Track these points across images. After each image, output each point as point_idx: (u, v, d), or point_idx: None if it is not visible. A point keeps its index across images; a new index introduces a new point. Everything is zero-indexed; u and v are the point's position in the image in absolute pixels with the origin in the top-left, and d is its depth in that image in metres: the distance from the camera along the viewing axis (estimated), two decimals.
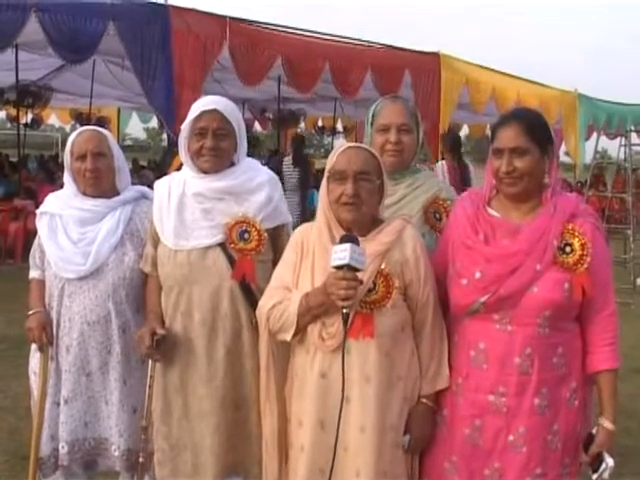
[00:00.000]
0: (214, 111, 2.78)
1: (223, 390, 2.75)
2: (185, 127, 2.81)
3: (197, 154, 2.79)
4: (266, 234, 2.76)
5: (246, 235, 2.74)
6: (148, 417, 2.82)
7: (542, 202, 2.43)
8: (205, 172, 2.81)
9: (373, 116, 2.89)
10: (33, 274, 3.13)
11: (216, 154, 2.78)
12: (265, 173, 2.94)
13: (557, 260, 2.34)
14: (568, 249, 2.35)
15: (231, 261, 2.74)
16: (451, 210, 2.72)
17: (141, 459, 2.82)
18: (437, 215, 2.79)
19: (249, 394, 2.73)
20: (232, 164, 2.87)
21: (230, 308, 2.73)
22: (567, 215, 2.38)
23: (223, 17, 9.14)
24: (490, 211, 2.48)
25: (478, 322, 2.40)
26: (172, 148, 8.51)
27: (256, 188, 2.83)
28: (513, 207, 2.45)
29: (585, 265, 2.33)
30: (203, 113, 2.77)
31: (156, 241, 2.86)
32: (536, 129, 2.40)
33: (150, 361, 2.80)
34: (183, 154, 2.84)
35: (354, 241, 2.24)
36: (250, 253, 2.74)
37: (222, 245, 2.75)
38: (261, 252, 2.75)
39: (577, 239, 2.34)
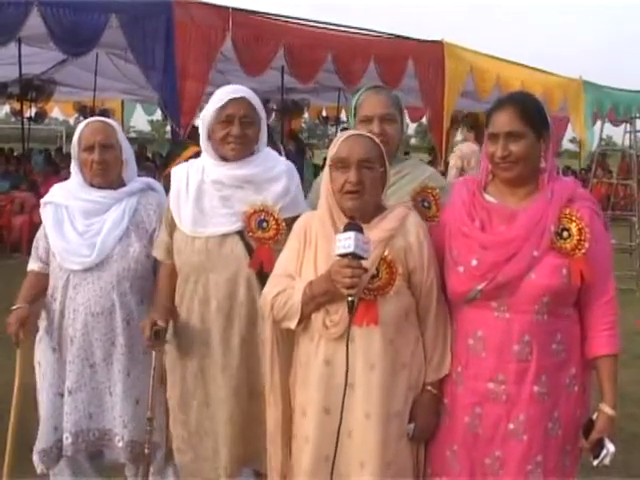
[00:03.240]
0: (241, 99, 2.79)
1: (237, 379, 2.77)
2: (208, 114, 2.81)
3: (223, 141, 2.79)
4: (284, 224, 2.76)
5: (264, 224, 2.75)
6: (153, 408, 2.84)
7: (539, 187, 2.41)
8: (227, 159, 2.82)
9: (355, 107, 2.89)
10: (32, 266, 3.13)
11: (242, 141, 2.79)
12: (283, 163, 2.95)
13: (554, 245, 2.33)
14: (565, 234, 2.33)
15: (249, 249, 2.75)
16: (440, 198, 2.72)
17: (147, 450, 2.83)
18: (426, 203, 2.79)
19: (263, 384, 2.73)
20: (251, 153, 2.88)
21: (246, 296, 2.74)
22: (564, 200, 2.37)
23: (226, 8, 9.12)
24: (486, 197, 2.47)
25: (476, 310, 2.39)
26: (183, 139, 8.50)
27: (275, 178, 2.84)
28: (509, 192, 2.44)
29: (583, 250, 2.31)
30: (230, 101, 2.78)
31: (172, 228, 2.87)
32: (531, 113, 2.38)
33: (154, 353, 2.81)
34: (204, 141, 2.85)
35: (358, 229, 2.24)
36: (268, 242, 2.74)
37: (240, 233, 2.76)
38: (279, 241, 2.74)
39: (574, 224, 2.33)
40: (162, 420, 2.98)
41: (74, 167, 3.05)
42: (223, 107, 2.78)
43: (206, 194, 2.81)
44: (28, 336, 2.98)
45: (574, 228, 2.33)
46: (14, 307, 3.02)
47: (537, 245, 2.33)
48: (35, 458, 3.03)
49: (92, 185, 3.02)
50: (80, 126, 3.06)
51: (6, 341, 3.01)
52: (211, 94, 2.90)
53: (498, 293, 2.35)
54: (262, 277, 2.72)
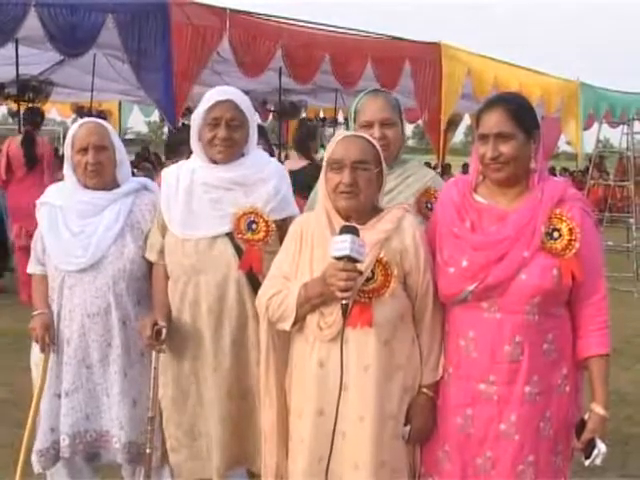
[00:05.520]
0: (228, 101, 2.79)
1: (229, 380, 2.77)
2: (197, 116, 2.82)
3: (210, 144, 2.80)
4: (274, 225, 2.77)
5: (254, 226, 2.75)
6: (154, 408, 2.83)
7: (529, 187, 2.41)
8: (215, 162, 2.82)
9: (355, 112, 2.90)
10: (34, 269, 3.13)
11: (229, 144, 2.79)
12: (273, 165, 2.96)
13: (545, 246, 2.33)
14: (556, 234, 2.34)
15: (238, 251, 2.76)
16: None
17: (148, 450, 2.83)
18: (429, 205, 2.82)
19: (255, 385, 2.75)
20: (241, 155, 2.88)
21: (237, 298, 2.75)
22: (555, 200, 2.37)
23: (223, 9, 9.11)
24: (477, 197, 2.47)
25: (467, 310, 2.40)
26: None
27: (264, 179, 2.85)
28: (500, 193, 2.45)
29: (573, 250, 2.32)
30: (217, 103, 2.78)
31: (164, 229, 2.88)
32: (521, 114, 2.39)
33: (153, 352, 2.81)
34: (194, 143, 2.85)
35: (354, 232, 2.24)
36: (257, 244, 2.75)
37: (230, 235, 2.76)
38: (268, 243, 2.76)
39: (565, 224, 2.33)
40: (158, 420, 2.97)
41: (67, 168, 3.05)
42: (210, 109, 2.79)
43: (195, 196, 2.82)
44: (53, 341, 2.99)
45: (565, 228, 2.34)
46: (36, 313, 3.02)
47: (527, 246, 2.33)
48: (33, 458, 3.03)
49: (86, 186, 3.02)
50: (73, 128, 3.06)
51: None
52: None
53: (489, 294, 2.36)
54: (252, 279, 2.74)
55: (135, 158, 15.55)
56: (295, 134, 6.96)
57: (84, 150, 2.96)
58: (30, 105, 9.94)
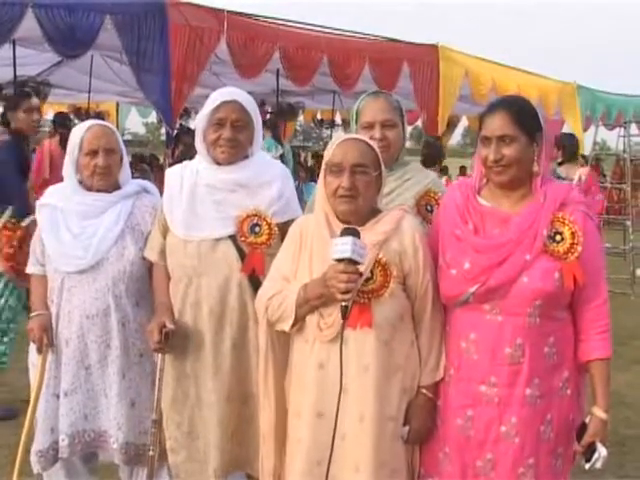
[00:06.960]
0: (233, 102, 2.79)
1: (229, 383, 2.77)
2: (202, 117, 2.82)
3: (214, 144, 2.80)
4: (277, 228, 2.77)
5: (257, 229, 2.75)
6: (158, 410, 2.83)
7: (532, 190, 2.41)
8: (219, 163, 2.82)
9: (357, 113, 2.91)
10: (33, 269, 3.13)
11: (233, 145, 2.79)
12: (278, 167, 2.96)
13: (547, 249, 2.33)
14: (558, 238, 2.34)
15: (241, 254, 2.75)
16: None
17: (151, 452, 2.83)
18: (429, 207, 2.82)
19: (255, 389, 2.73)
20: (246, 157, 2.88)
21: (238, 301, 2.75)
22: (557, 203, 2.37)
23: (221, 10, 9.11)
24: (480, 200, 2.47)
25: (468, 312, 2.40)
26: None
27: (268, 182, 2.84)
28: (503, 195, 2.45)
29: (576, 254, 2.32)
30: (222, 104, 2.78)
31: (165, 229, 2.87)
32: (524, 116, 2.39)
33: (160, 355, 2.81)
34: (199, 144, 2.85)
35: (355, 234, 2.24)
36: (260, 247, 2.75)
37: (232, 237, 2.76)
38: (271, 246, 2.75)
39: (567, 227, 2.34)
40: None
41: (69, 170, 3.03)
42: (215, 110, 2.78)
43: (199, 198, 2.81)
44: (51, 342, 2.99)
45: (567, 232, 2.34)
46: (34, 314, 3.03)
47: (529, 249, 2.33)
48: (32, 458, 3.02)
49: (89, 188, 3.02)
50: (80, 130, 3.02)
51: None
52: (206, 96, 2.89)
53: (490, 296, 2.36)
54: (254, 282, 2.73)
55: (132, 159, 15.58)
56: None
57: (94, 153, 2.95)
58: (60, 111, 10.32)
